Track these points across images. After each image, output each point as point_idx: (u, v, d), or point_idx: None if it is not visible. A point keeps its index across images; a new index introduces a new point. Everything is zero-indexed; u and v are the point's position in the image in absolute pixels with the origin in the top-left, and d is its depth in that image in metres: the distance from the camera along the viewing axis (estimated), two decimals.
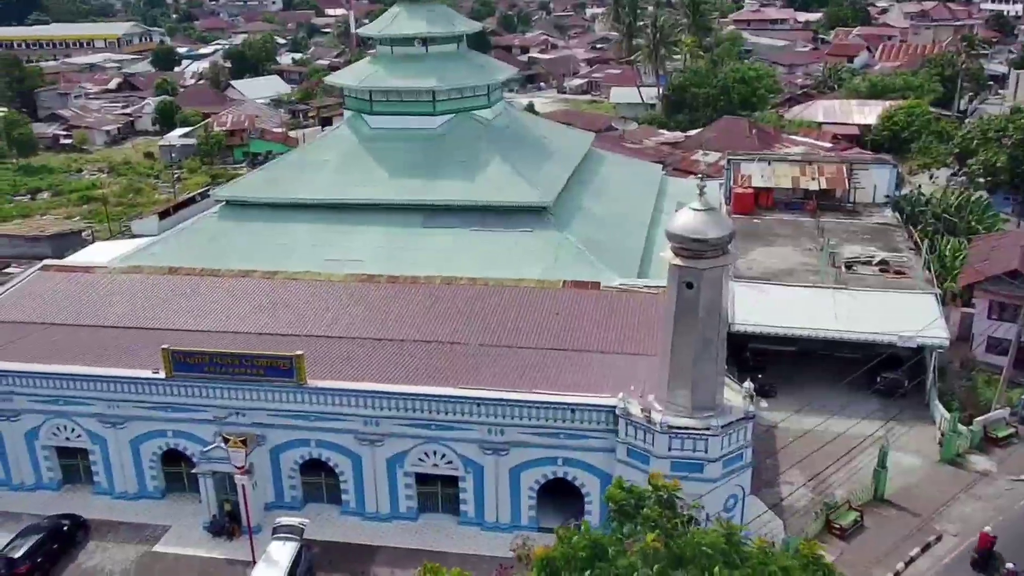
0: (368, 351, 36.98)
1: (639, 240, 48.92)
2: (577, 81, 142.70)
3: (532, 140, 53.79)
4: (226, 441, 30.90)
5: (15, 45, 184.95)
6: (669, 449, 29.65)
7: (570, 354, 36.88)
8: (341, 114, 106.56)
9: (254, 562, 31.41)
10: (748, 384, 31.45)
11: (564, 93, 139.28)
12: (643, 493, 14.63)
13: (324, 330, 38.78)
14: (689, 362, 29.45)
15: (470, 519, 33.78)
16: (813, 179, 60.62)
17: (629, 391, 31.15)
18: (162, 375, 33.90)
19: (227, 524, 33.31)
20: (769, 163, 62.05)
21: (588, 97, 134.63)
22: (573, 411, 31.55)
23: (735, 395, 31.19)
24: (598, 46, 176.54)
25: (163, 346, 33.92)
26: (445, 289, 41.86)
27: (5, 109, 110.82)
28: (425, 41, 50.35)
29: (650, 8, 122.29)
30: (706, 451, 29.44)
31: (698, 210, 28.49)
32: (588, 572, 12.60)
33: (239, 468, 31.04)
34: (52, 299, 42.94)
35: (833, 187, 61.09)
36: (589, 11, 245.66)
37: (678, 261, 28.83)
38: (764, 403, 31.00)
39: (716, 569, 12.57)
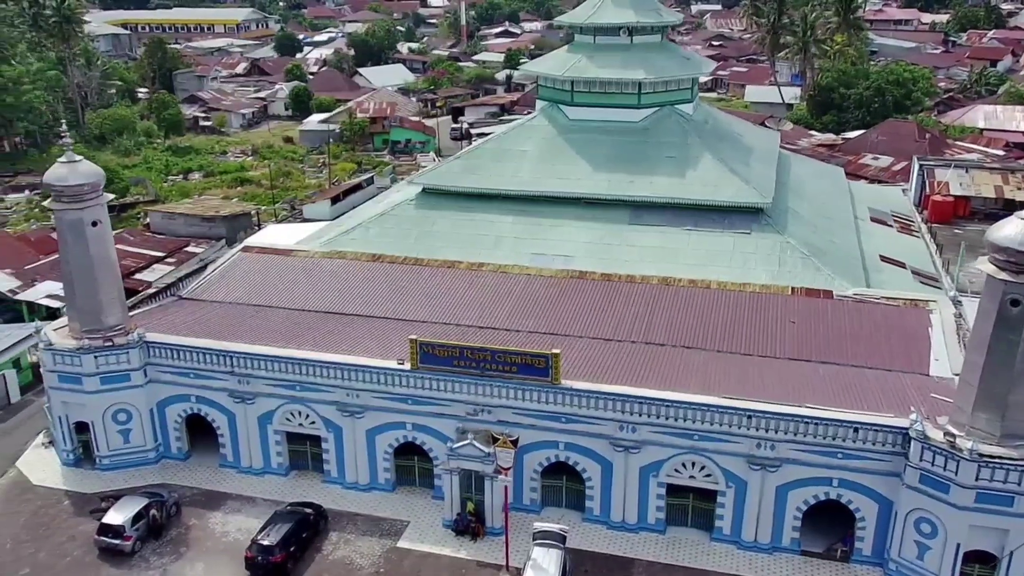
0: (599, 351, 35.53)
1: (853, 246, 46.33)
2: (701, 79, 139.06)
3: (732, 137, 51.54)
4: (494, 440, 29.65)
5: (139, 28, 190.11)
6: (976, 479, 27.28)
7: (816, 366, 34.84)
8: (468, 103, 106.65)
9: (507, 566, 30.29)
10: None
11: None
12: None
13: (548, 326, 37.48)
14: (1004, 386, 27.02)
15: (724, 536, 31.88)
16: (1020, 188, 56.95)
17: (919, 412, 28.84)
18: (407, 366, 32.94)
19: (472, 523, 32.16)
20: (967, 170, 58.54)
21: (714, 95, 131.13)
22: (856, 430, 29.37)
23: None
24: (715, 43, 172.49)
25: (411, 337, 32.97)
26: (665, 290, 40.11)
27: (146, 89, 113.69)
28: (631, 31, 48.50)
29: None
30: (1019, 483, 26.99)
31: None
32: None
33: (504, 469, 29.77)
34: (262, 282, 42.71)
35: None
36: (695, 7, 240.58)
37: (1005, 276, 26.40)
38: None
39: None
